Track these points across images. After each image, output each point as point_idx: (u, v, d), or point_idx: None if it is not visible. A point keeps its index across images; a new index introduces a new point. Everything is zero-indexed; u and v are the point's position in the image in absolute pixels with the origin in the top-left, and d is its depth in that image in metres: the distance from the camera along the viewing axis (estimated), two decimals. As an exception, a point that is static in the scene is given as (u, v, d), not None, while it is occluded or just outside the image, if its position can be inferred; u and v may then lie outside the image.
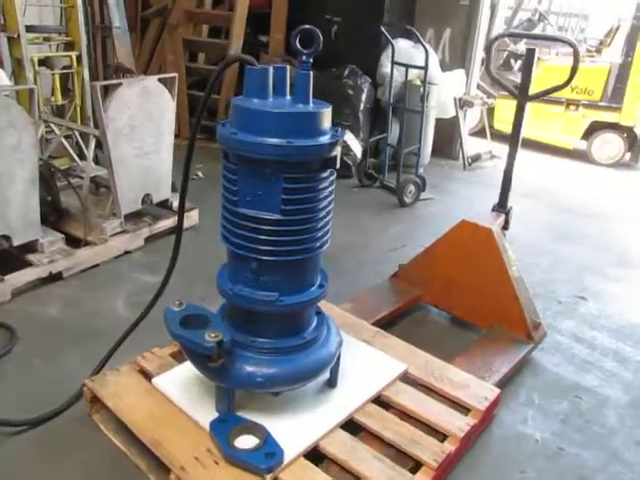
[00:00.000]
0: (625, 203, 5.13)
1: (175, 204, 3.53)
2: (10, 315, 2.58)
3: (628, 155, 6.28)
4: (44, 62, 4.06)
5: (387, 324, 2.66)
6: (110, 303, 2.78)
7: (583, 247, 3.99)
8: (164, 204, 3.56)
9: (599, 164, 6.32)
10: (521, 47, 7.00)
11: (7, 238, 2.72)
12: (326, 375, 1.90)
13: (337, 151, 1.54)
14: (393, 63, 4.58)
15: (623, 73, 6.10)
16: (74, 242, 3.10)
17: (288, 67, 1.58)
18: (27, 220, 2.78)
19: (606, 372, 2.57)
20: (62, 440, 1.90)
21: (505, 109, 6.48)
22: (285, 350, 1.73)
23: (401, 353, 2.23)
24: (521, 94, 2.49)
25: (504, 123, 6.54)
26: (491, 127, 6.49)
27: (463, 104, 5.58)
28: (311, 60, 1.50)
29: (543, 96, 2.54)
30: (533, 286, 2.94)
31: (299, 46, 1.49)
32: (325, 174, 1.56)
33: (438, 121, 5.43)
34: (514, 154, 2.61)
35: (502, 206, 2.72)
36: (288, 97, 1.58)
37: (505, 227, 2.73)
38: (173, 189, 3.56)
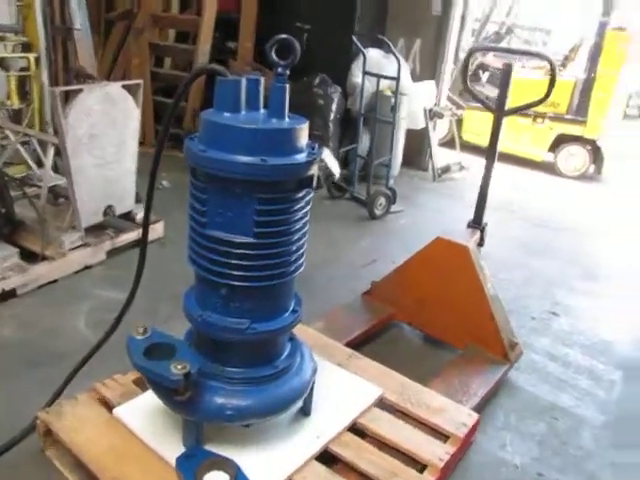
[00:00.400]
0: (592, 217, 5.19)
1: (139, 216, 3.38)
2: (-43, 337, 2.40)
3: (592, 167, 6.38)
4: (-1, 63, 3.85)
5: (361, 344, 2.58)
6: (70, 322, 2.62)
7: (554, 261, 3.99)
8: (127, 216, 3.41)
9: (565, 176, 6.41)
10: (490, 59, 7.06)
11: (-45, 253, 2.54)
12: (300, 403, 1.80)
13: (314, 170, 1.45)
14: (364, 73, 4.53)
15: (587, 87, 6.20)
16: (31, 256, 2.93)
17: (262, 79, 1.48)
18: (-23, 234, 2.61)
19: (581, 391, 2.54)
20: None
21: (474, 120, 6.52)
22: (256, 380, 1.62)
23: (376, 376, 2.15)
24: (498, 109, 2.45)
25: (473, 134, 6.59)
26: (460, 138, 6.51)
27: (433, 115, 5.58)
28: (287, 72, 1.41)
29: (519, 111, 2.51)
30: (507, 302, 2.89)
31: (275, 57, 1.40)
32: (301, 194, 1.47)
33: (408, 132, 5.40)
34: (491, 169, 2.57)
35: (477, 222, 2.67)
36: (262, 111, 1.48)
37: (480, 244, 2.68)
38: (137, 200, 3.41)
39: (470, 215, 2.67)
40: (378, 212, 4.48)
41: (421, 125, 5.49)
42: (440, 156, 5.89)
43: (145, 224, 1.79)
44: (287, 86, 1.42)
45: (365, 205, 4.55)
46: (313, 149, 1.48)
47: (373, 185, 4.61)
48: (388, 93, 4.80)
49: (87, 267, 3.10)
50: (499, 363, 2.41)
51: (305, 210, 1.51)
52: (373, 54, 4.94)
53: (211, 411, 1.57)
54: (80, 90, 2.77)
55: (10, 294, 2.72)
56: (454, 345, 2.60)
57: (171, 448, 1.65)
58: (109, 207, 3.20)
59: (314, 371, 1.79)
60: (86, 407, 1.86)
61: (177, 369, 1.45)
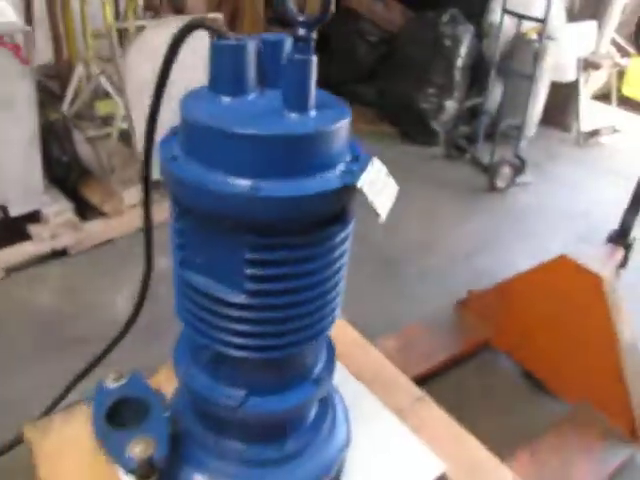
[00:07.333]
0: None
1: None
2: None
3: None
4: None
5: (439, 371, 2.05)
6: (112, 295, 2.35)
7: None
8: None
9: None
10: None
11: (3, 208, 2.33)
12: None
13: (351, 198, 0.92)
14: (504, 11, 3.67)
15: None
16: (92, 211, 2.69)
17: (289, 38, 0.93)
18: (26, 187, 2.37)
19: None
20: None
21: (642, 72, 5.31)
22: (259, 462, 1.19)
23: (442, 439, 1.62)
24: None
25: (637, 88, 5.40)
26: (619, 92, 5.37)
27: (587, 65, 4.55)
28: (313, 36, 0.85)
29: None
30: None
31: (293, 10, 0.84)
32: (326, 234, 0.94)
33: (552, 84, 4.46)
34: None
35: (623, 235, 1.96)
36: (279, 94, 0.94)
37: (622, 265, 1.98)
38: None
39: (618, 195, 1.98)
40: (500, 184, 3.76)
41: (570, 77, 4.51)
42: (590, 113, 4.86)
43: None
44: (314, 59, 0.87)
45: (485, 172, 3.84)
46: (354, 162, 0.93)
47: (500, 148, 3.88)
48: (532, 36, 3.91)
49: (150, 226, 2.80)
50: (621, 440, 1.77)
51: (336, 254, 0.99)
52: (520, -15, 4.02)
53: (191, 497, 1.17)
54: (142, 27, 2.36)
55: (61, 253, 2.51)
56: (562, 396, 1.99)
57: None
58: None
59: (345, 445, 1.32)
60: (80, 422, 1.54)
61: (135, 452, 1.05)
